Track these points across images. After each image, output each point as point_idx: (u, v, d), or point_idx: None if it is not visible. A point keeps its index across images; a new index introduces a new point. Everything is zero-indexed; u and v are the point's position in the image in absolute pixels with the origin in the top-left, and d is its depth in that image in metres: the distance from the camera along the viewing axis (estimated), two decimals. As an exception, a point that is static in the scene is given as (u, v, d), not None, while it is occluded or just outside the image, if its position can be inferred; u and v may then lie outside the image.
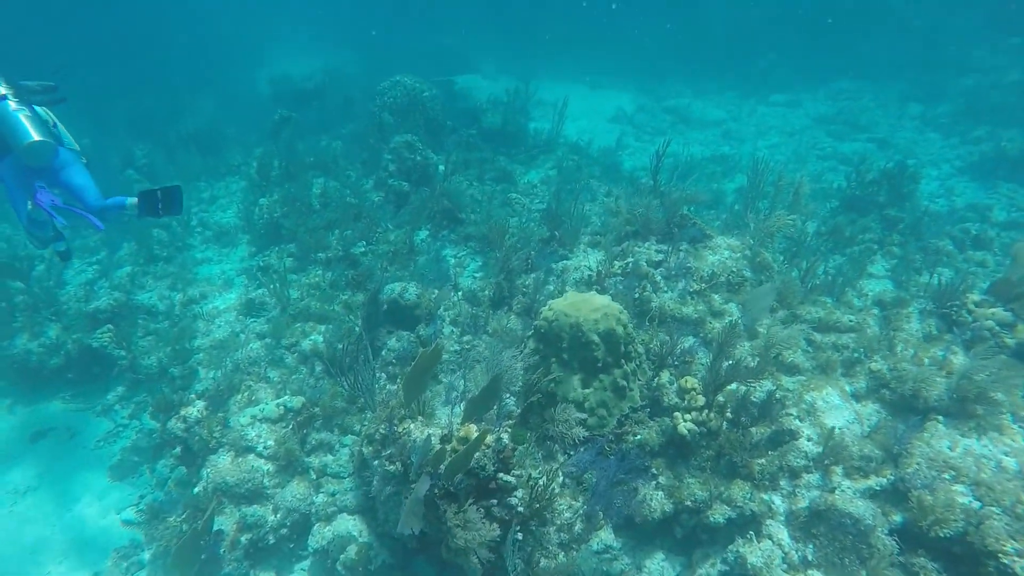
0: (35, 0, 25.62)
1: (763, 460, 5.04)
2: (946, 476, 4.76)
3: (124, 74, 22.69)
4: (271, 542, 5.65)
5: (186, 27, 26.67)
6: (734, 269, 6.83)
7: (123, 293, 8.91)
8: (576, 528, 4.73)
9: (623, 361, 5.37)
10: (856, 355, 5.97)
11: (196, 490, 5.88)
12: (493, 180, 11.39)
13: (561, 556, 4.53)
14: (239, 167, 14.26)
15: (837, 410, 5.44)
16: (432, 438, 4.46)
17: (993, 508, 4.54)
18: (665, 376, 5.61)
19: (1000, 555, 4.28)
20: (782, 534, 4.78)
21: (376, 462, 5.06)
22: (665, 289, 6.77)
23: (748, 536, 4.77)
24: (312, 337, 7.72)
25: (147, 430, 7.20)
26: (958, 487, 4.71)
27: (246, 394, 6.94)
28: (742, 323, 6.26)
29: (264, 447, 6.18)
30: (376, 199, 10.61)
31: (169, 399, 6.84)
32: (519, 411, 5.43)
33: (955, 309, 6.30)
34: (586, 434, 5.11)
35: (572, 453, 5.15)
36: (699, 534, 4.92)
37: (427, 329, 7.07)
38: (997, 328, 6.05)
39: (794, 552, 4.68)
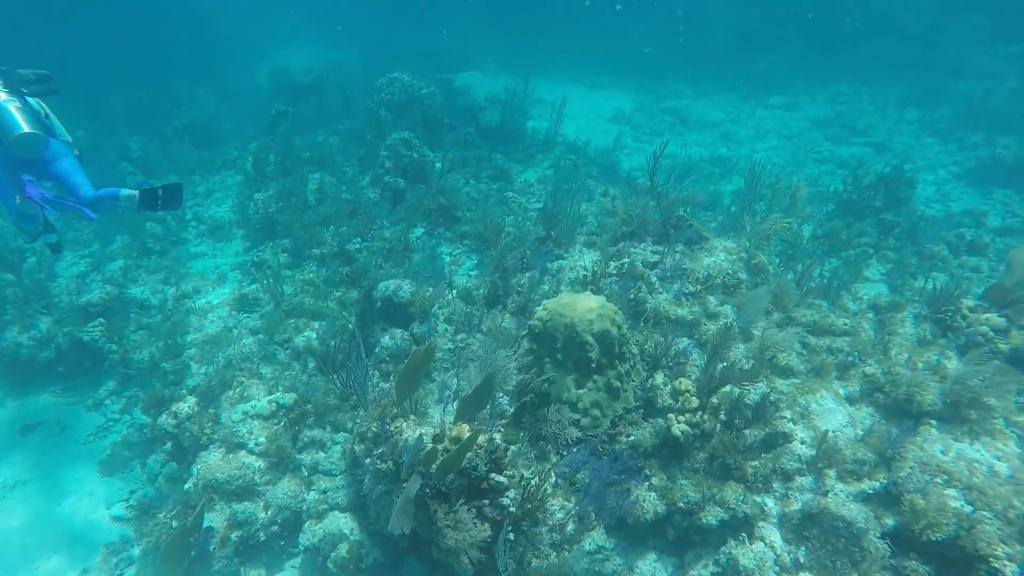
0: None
1: (756, 462, 5.03)
2: (939, 480, 4.76)
3: (121, 67, 22.55)
4: (262, 539, 5.62)
5: (186, 21, 26.53)
6: (730, 271, 6.82)
7: (115, 287, 8.85)
8: (568, 529, 4.72)
9: (617, 362, 5.36)
10: (851, 358, 5.97)
11: (186, 486, 5.85)
12: (490, 178, 11.36)
13: (553, 556, 4.51)
14: (235, 161, 14.20)
15: (831, 413, 5.43)
16: (424, 437, 4.43)
17: (985, 512, 4.54)
18: (659, 377, 5.59)
19: (991, 559, 4.27)
20: (774, 536, 4.77)
21: (368, 460, 5.04)
22: (660, 290, 6.76)
23: (740, 538, 4.76)
24: (305, 333, 7.69)
25: (138, 425, 7.16)
26: (950, 491, 4.71)
27: (238, 390, 6.90)
28: (737, 325, 6.25)
29: (255, 444, 6.14)
30: (372, 196, 10.56)
31: (160, 394, 6.80)
32: (512, 411, 5.40)
33: (950, 314, 6.31)
34: (579, 434, 5.09)
35: (565, 453, 5.12)
36: (692, 535, 4.91)
37: (421, 327, 7.04)
38: (991, 333, 6.05)
39: (786, 554, 4.68)
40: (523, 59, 22.62)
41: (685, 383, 5.26)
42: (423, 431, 4.64)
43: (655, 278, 6.87)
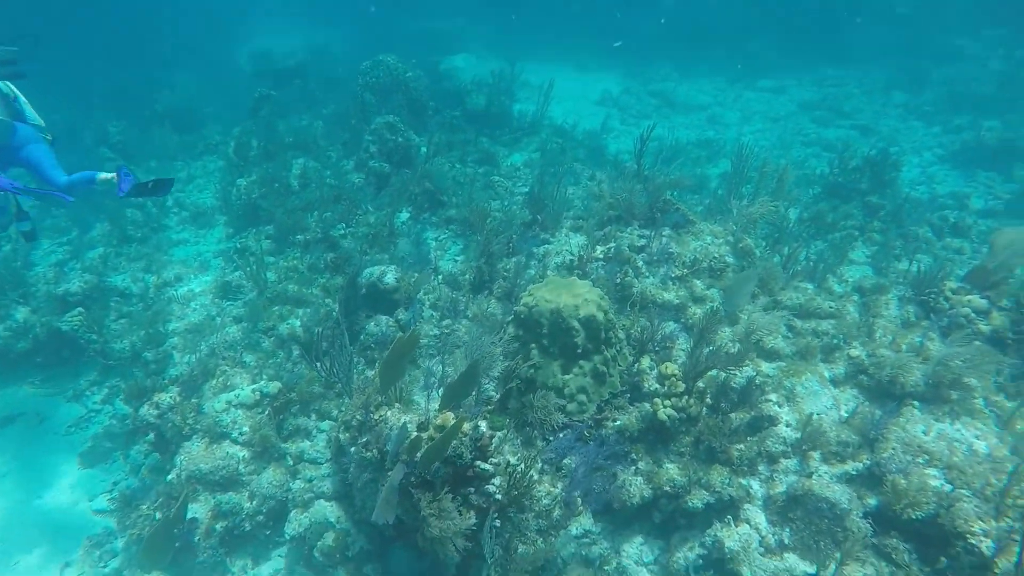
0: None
1: (742, 446, 5.05)
2: (920, 460, 4.81)
3: (99, 49, 22.06)
4: (247, 529, 5.58)
5: (166, 2, 25.92)
6: (716, 255, 6.80)
7: (95, 275, 8.67)
8: (555, 514, 4.72)
9: (603, 347, 5.33)
10: (836, 341, 5.99)
11: (169, 477, 5.78)
12: (476, 162, 11.25)
13: (540, 542, 4.51)
14: (217, 146, 13.97)
15: (816, 396, 5.46)
16: (409, 425, 4.40)
17: (963, 491, 4.59)
18: (646, 362, 5.58)
19: (968, 536, 4.34)
20: (759, 518, 4.81)
21: (353, 449, 5.00)
22: (647, 274, 6.73)
23: (726, 520, 4.80)
24: (290, 321, 7.60)
25: (120, 415, 7.06)
26: (931, 471, 4.76)
27: (221, 379, 6.81)
28: (723, 309, 6.25)
29: (239, 433, 6.08)
30: (357, 180, 10.43)
31: (142, 385, 6.70)
32: (498, 397, 5.38)
33: (933, 296, 6.34)
34: (566, 420, 5.08)
35: (552, 439, 5.11)
36: (677, 519, 4.94)
37: (406, 314, 6.97)
38: (973, 315, 6.10)
39: (771, 536, 4.71)
40: (512, 41, 22.35)
41: (671, 367, 5.25)
42: (408, 419, 4.61)
43: (642, 262, 6.84)
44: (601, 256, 6.94)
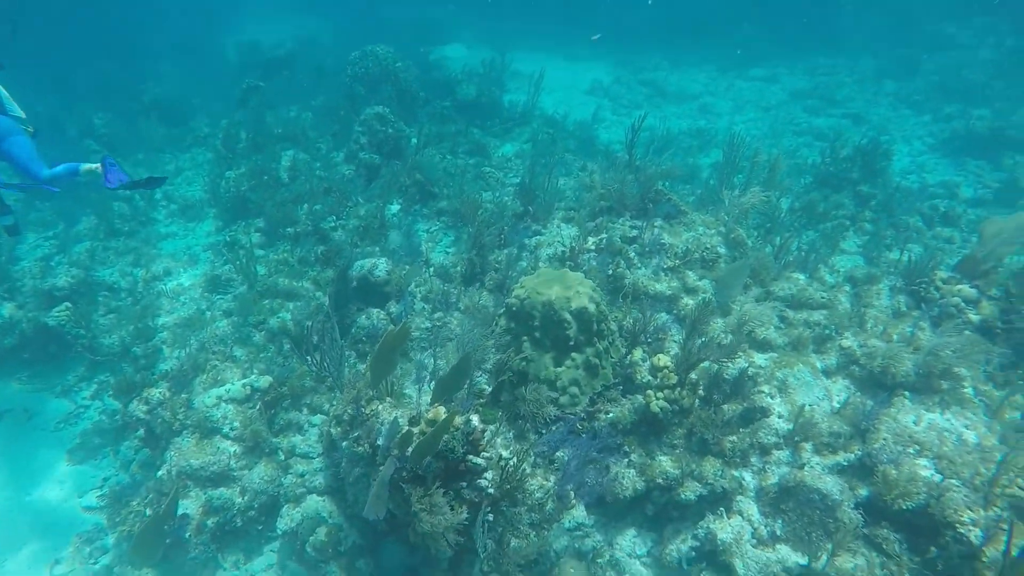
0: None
1: (734, 437, 5.05)
2: (911, 450, 4.83)
3: (84, 39, 21.71)
4: (239, 525, 5.55)
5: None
6: (708, 246, 6.79)
7: (82, 269, 8.57)
8: (547, 508, 4.71)
9: (596, 339, 5.32)
10: (827, 332, 6.00)
11: (160, 473, 5.73)
12: (467, 153, 11.18)
13: (532, 536, 4.50)
14: (206, 138, 13.82)
15: (808, 387, 5.47)
16: (400, 420, 4.37)
17: (953, 480, 4.62)
18: (638, 353, 5.57)
19: (958, 525, 4.37)
20: (752, 510, 4.82)
21: (344, 443, 4.97)
22: (639, 265, 6.71)
23: (719, 512, 4.81)
24: (280, 315, 7.54)
25: (110, 411, 6.99)
26: (921, 461, 4.78)
27: (212, 374, 6.75)
28: (716, 300, 6.24)
29: (230, 428, 6.03)
30: (347, 172, 10.34)
31: (131, 380, 6.63)
32: (490, 390, 5.36)
33: (924, 286, 6.36)
34: (558, 413, 5.07)
35: (544, 432, 5.10)
36: (670, 511, 4.95)
37: (397, 306, 6.93)
38: (963, 304, 6.12)
39: (763, 527, 4.73)
40: (502, 31, 22.19)
41: (664, 359, 5.24)
42: (399, 413, 4.58)
43: (634, 253, 6.82)
44: (593, 247, 6.92)
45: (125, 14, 23.61)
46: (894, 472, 4.61)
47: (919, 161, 12.98)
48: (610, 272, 6.49)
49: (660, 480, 4.83)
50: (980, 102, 14.94)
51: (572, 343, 5.19)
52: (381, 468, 4.11)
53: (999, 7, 19.66)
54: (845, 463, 4.92)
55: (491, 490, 4.26)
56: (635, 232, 7.04)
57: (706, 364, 5.24)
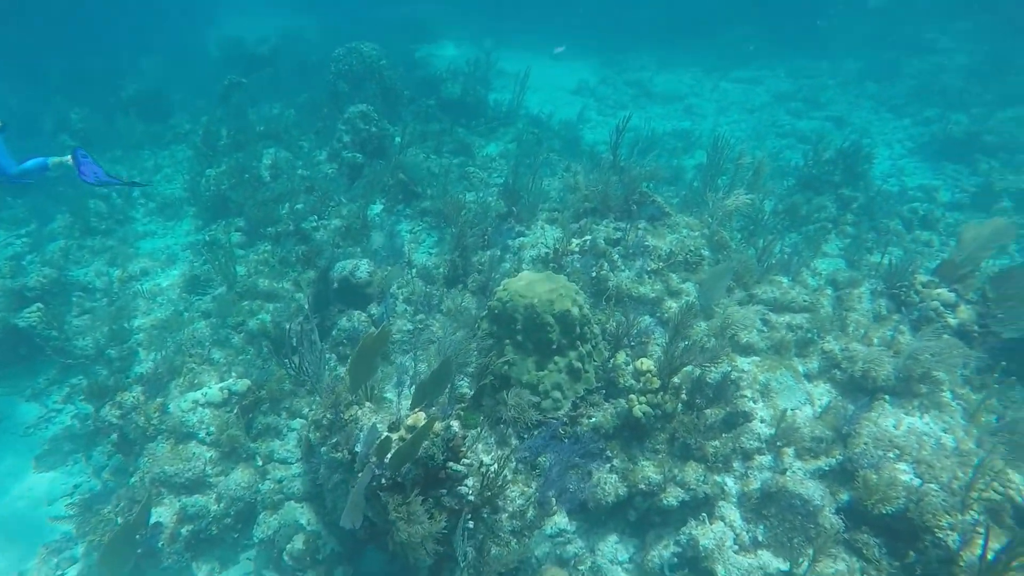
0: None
1: (717, 442, 5.04)
2: (891, 455, 4.85)
3: (60, 30, 21.29)
4: (214, 532, 5.43)
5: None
6: (692, 248, 6.78)
7: (55, 269, 8.37)
8: (529, 515, 4.66)
9: (579, 343, 5.27)
10: (810, 335, 6.01)
11: (132, 480, 5.60)
12: (451, 153, 11.09)
13: (513, 543, 4.45)
14: (186, 135, 13.59)
15: (790, 391, 5.47)
16: (379, 426, 4.29)
17: (932, 485, 4.64)
18: (621, 357, 5.54)
19: (936, 530, 4.39)
20: (734, 515, 4.81)
21: (323, 449, 4.88)
22: (623, 268, 6.68)
23: (701, 518, 4.79)
24: (260, 316, 7.42)
25: (83, 415, 6.81)
26: (901, 465, 4.80)
27: (188, 377, 6.62)
28: (699, 303, 6.23)
29: (207, 433, 5.91)
30: (329, 171, 10.22)
31: (103, 384, 6.47)
32: (472, 394, 5.30)
33: (904, 289, 6.39)
34: (540, 417, 5.02)
35: (526, 437, 5.05)
36: (652, 517, 4.91)
37: (379, 308, 6.84)
38: (942, 308, 6.16)
39: (745, 533, 4.72)
40: (488, 29, 22.11)
41: (647, 363, 5.21)
42: (378, 419, 4.50)
43: (617, 255, 6.79)
44: (577, 249, 6.87)
45: (104, 6, 23.19)
46: (874, 477, 4.63)
47: (899, 165, 13.11)
48: (594, 274, 6.45)
49: (642, 486, 4.80)
50: (958, 107, 15.14)
51: (555, 347, 5.14)
52: (360, 475, 4.04)
53: (978, 12, 19.96)
54: (827, 468, 4.93)
55: (472, 497, 4.20)
56: (619, 234, 7.01)
57: (689, 368, 5.22)
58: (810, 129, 15.01)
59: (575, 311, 5.16)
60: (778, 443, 5.05)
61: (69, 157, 5.41)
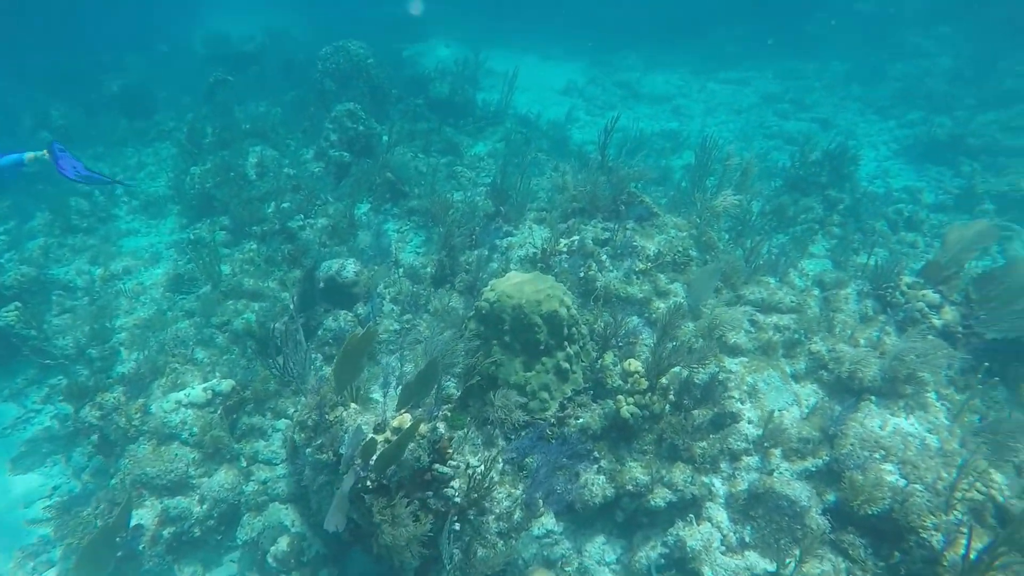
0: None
1: (704, 443, 5.03)
2: (877, 456, 4.87)
3: (42, 25, 20.97)
4: (197, 535, 5.35)
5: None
6: (680, 248, 6.78)
7: (34, 267, 8.22)
8: (516, 516, 4.63)
9: (566, 343, 5.25)
10: (797, 336, 6.03)
11: (113, 482, 5.50)
12: (439, 152, 11.04)
13: (500, 545, 4.42)
14: (171, 132, 13.41)
15: (778, 392, 5.48)
16: (364, 427, 4.24)
17: (917, 486, 4.67)
18: (609, 358, 5.52)
19: (920, 530, 4.41)
20: (721, 516, 4.81)
21: (308, 450, 4.82)
22: (611, 268, 6.68)
23: (688, 519, 4.78)
24: (245, 316, 7.34)
25: (63, 416, 6.68)
26: (887, 466, 4.82)
27: (171, 377, 6.53)
28: (687, 304, 6.24)
29: (190, 434, 5.82)
30: (316, 170, 10.13)
31: (83, 384, 6.35)
32: (459, 395, 5.26)
33: (890, 290, 6.44)
34: (527, 418, 4.99)
35: (513, 438, 5.02)
36: (640, 517, 4.90)
37: (365, 308, 6.78)
38: (927, 310, 6.21)
39: (732, 534, 4.72)
40: (479, 29, 22.06)
41: (635, 364, 5.20)
42: (364, 420, 4.45)
43: (605, 256, 6.78)
44: (565, 249, 6.85)
45: (88, 2, 22.87)
46: (860, 478, 4.64)
47: (884, 166, 13.22)
48: (582, 275, 6.43)
49: (630, 487, 4.79)
50: (942, 109, 15.31)
51: (542, 347, 5.12)
52: (345, 477, 3.99)
53: (961, 17, 20.20)
54: (813, 469, 4.94)
55: (458, 499, 4.17)
56: (607, 234, 7.00)
57: (677, 369, 5.22)
58: (797, 130, 15.10)
59: (563, 312, 5.14)
60: (765, 444, 5.06)
61: (45, 152, 5.30)
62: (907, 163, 13.36)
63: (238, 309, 7.47)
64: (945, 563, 4.26)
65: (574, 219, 7.34)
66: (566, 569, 4.73)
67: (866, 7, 21.98)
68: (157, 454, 5.62)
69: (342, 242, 8.22)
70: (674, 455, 5.00)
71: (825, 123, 15.70)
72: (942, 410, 5.40)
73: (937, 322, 6.16)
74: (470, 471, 4.32)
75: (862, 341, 5.94)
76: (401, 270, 7.61)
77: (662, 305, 6.25)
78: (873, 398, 5.35)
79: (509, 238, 7.52)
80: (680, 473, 4.86)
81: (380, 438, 4.18)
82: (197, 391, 6.15)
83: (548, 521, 4.81)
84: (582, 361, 5.45)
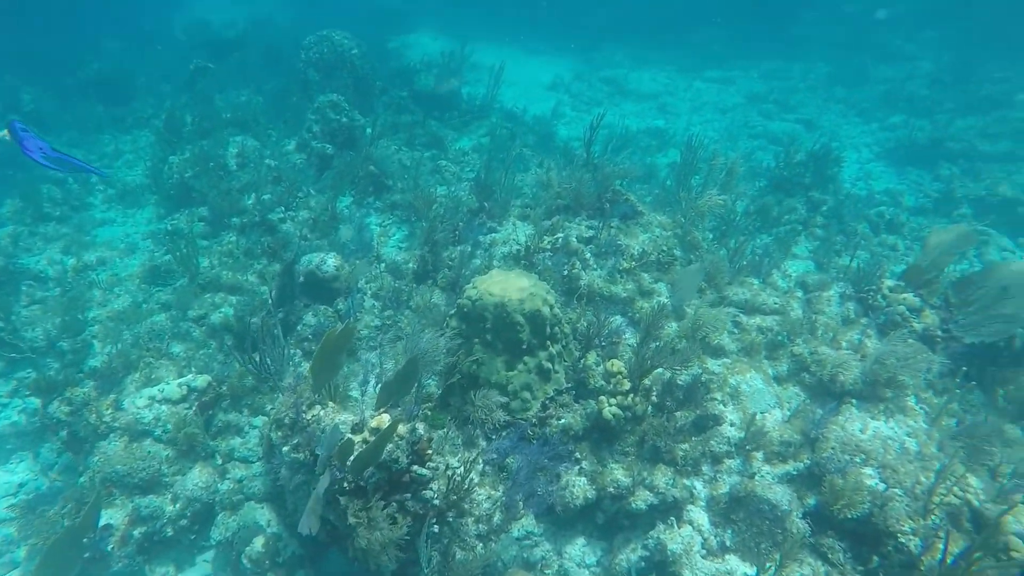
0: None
1: (687, 445, 5.01)
2: (857, 459, 4.88)
3: (17, 5, 20.37)
4: (169, 534, 5.21)
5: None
6: (664, 248, 6.75)
7: (3, 256, 7.99)
8: (495, 519, 4.57)
9: (549, 343, 5.19)
10: (780, 338, 6.03)
11: (81, 480, 5.34)
12: (423, 145, 10.91)
13: (479, 547, 4.36)
14: (149, 120, 13.13)
15: (760, 394, 5.47)
16: (341, 427, 4.15)
17: (896, 490, 4.69)
18: (592, 357, 5.48)
19: (899, 535, 4.43)
20: (702, 519, 4.78)
21: (285, 448, 4.71)
22: (595, 267, 6.62)
23: (669, 522, 4.75)
24: (223, 309, 7.19)
25: (31, 410, 6.49)
26: (867, 470, 4.84)
27: (145, 372, 6.37)
28: (671, 304, 6.21)
29: (163, 431, 5.68)
30: (298, 161, 9.95)
31: (52, 379, 6.16)
32: (439, 393, 5.18)
33: (871, 293, 6.46)
34: (508, 418, 4.93)
35: (494, 438, 4.96)
36: (621, 519, 4.87)
37: (346, 303, 6.67)
38: (908, 313, 6.24)
39: (713, 538, 4.70)
40: (466, 22, 21.86)
41: (617, 365, 5.16)
42: (341, 420, 4.35)
43: (589, 254, 6.73)
44: (548, 247, 6.79)
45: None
46: (840, 482, 4.64)
47: (867, 168, 13.34)
48: (565, 273, 6.37)
49: (611, 489, 4.75)
50: (923, 113, 15.47)
51: (525, 346, 5.06)
52: (321, 478, 3.90)
53: (944, 23, 20.44)
54: (795, 472, 4.94)
55: (437, 501, 4.10)
56: (591, 232, 6.94)
57: (660, 370, 5.18)
58: (781, 131, 15.18)
59: (546, 310, 5.08)
60: (747, 447, 5.05)
61: (6, 132, 5.06)
62: (888, 165, 13.49)
63: (216, 303, 7.31)
64: (923, 568, 4.29)
65: (558, 216, 7.27)
66: (546, 572, 4.69)
67: (853, 8, 22.16)
68: (129, 451, 5.47)
69: (323, 235, 8.09)
70: (656, 457, 4.97)
71: (809, 124, 15.80)
72: (921, 414, 5.44)
73: (917, 326, 6.20)
74: (450, 472, 4.25)
75: (844, 344, 5.95)
76: (383, 265, 7.50)
77: (646, 305, 6.21)
78: (854, 401, 5.36)
79: (493, 234, 7.44)
80: (662, 475, 4.83)
81: (358, 438, 4.09)
82: (172, 387, 6.01)
83: (528, 522, 4.76)
84: (564, 361, 5.40)
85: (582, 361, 5.45)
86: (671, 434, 4.94)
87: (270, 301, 6.53)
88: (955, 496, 4.62)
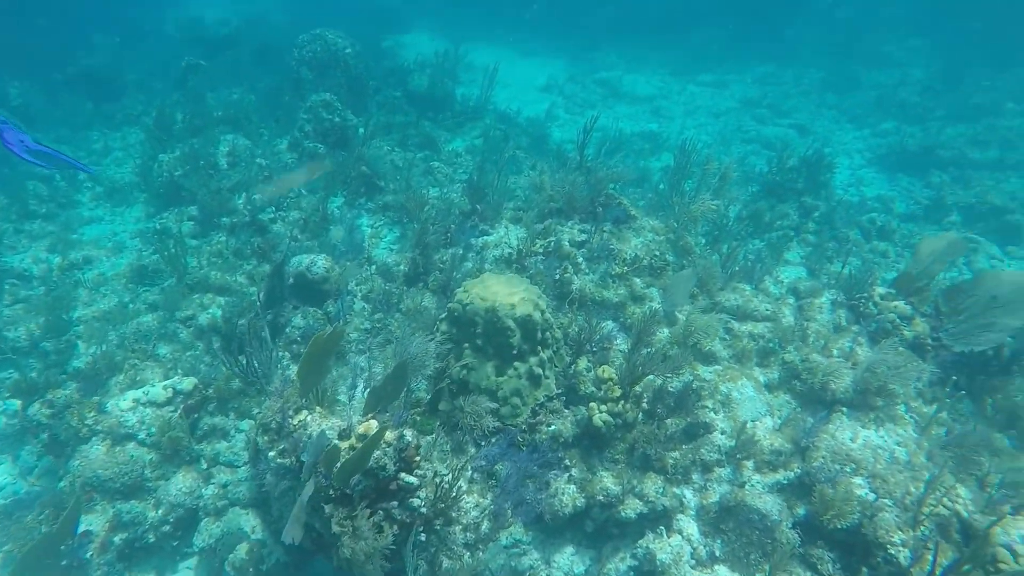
0: None
1: (677, 453, 4.97)
2: (847, 469, 4.86)
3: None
4: (151, 541, 5.12)
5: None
6: (657, 252, 6.72)
7: (-15, 254, 7.87)
8: (483, 527, 4.52)
9: (540, 348, 5.15)
10: (771, 345, 6.01)
11: (61, 484, 5.24)
12: (416, 146, 10.85)
13: (467, 556, 4.30)
14: (139, 117, 12.99)
15: (751, 402, 5.45)
16: (328, 433, 4.08)
17: (886, 500, 4.67)
18: (583, 363, 5.44)
19: (888, 546, 4.41)
20: (692, 529, 4.74)
21: (271, 454, 4.64)
22: (587, 271, 6.58)
23: (658, 531, 4.71)
24: (211, 310, 7.10)
25: (10, 412, 6.37)
26: (857, 479, 4.81)
27: (130, 374, 6.28)
28: (662, 309, 6.18)
29: (147, 434, 5.59)
30: (289, 161, 9.87)
31: (33, 381, 6.06)
32: (428, 398, 5.12)
33: (863, 301, 6.45)
34: (498, 424, 4.88)
35: (483, 444, 4.90)
36: (610, 528, 4.82)
37: (335, 306, 6.59)
38: (899, 321, 6.24)
39: (702, 548, 4.66)
40: (461, 23, 21.82)
41: (608, 371, 5.11)
42: (328, 425, 4.29)
43: (582, 258, 6.69)
44: (540, 251, 6.74)
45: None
46: (831, 491, 4.62)
47: (859, 175, 13.39)
48: (557, 277, 6.33)
49: (601, 497, 4.71)
50: (914, 120, 15.55)
51: (515, 352, 5.01)
52: (307, 485, 3.83)
53: (935, 30, 20.58)
54: (785, 481, 4.91)
55: (424, 509, 4.04)
56: (584, 236, 6.91)
57: (651, 377, 5.15)
58: (774, 136, 15.21)
59: (537, 315, 5.04)
60: (738, 455, 5.02)
61: None
62: (880, 172, 13.54)
63: (204, 303, 7.22)
64: (912, 579, 4.27)
65: (551, 219, 7.23)
66: (534, 580, 4.64)
67: (846, 14, 22.26)
68: (111, 455, 5.38)
69: (314, 236, 8.01)
70: (646, 465, 4.93)
71: (802, 129, 15.85)
72: (911, 423, 5.43)
73: (908, 334, 6.19)
74: (438, 479, 4.19)
75: (835, 351, 5.94)
76: (374, 267, 7.43)
77: (638, 310, 6.17)
78: (845, 410, 5.34)
79: (485, 237, 7.38)
80: (652, 484, 4.79)
81: (344, 445, 4.02)
82: (157, 389, 5.92)
83: (516, 531, 4.71)
84: (555, 366, 5.36)
85: (573, 367, 5.41)
86: (661, 442, 4.91)
87: (258, 303, 6.45)
88: (944, 507, 4.60)
